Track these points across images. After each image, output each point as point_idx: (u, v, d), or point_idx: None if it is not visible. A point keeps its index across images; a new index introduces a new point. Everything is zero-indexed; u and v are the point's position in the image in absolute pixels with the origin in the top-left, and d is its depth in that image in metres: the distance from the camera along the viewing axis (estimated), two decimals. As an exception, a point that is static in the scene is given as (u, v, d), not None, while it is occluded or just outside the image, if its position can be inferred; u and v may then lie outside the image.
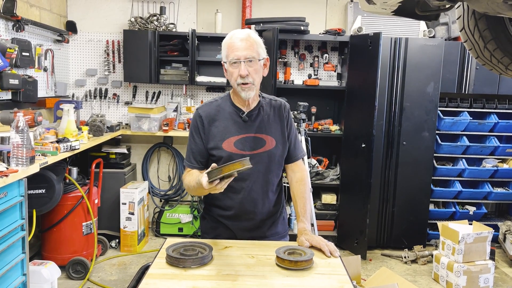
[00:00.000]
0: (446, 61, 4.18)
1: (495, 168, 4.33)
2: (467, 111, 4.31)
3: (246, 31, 1.84)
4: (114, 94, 4.63)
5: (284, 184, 2.09)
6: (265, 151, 1.89)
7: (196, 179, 1.71)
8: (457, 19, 1.93)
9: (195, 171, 1.90)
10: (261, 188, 1.90)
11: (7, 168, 2.28)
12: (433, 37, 4.27)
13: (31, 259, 3.28)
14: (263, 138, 1.90)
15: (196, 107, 4.62)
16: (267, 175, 1.91)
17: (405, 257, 4.08)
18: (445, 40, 4.24)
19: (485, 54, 1.92)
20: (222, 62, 1.89)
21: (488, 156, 4.40)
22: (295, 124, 3.85)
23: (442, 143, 4.28)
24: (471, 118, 4.29)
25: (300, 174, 2.02)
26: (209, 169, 1.55)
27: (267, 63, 1.91)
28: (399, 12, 1.85)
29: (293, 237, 1.87)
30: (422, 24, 4.33)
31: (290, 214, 4.42)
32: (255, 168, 1.86)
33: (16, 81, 3.19)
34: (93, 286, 3.43)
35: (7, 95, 3.31)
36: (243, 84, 1.80)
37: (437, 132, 4.27)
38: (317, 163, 4.52)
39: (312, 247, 1.73)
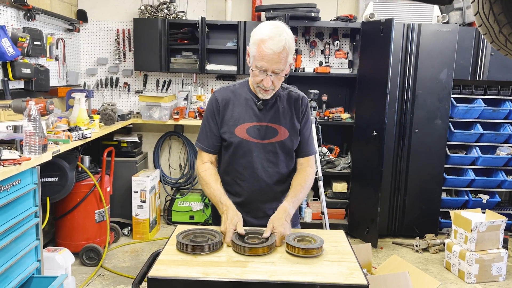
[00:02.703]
0: (460, 47, 4.10)
1: (510, 156, 4.26)
2: (481, 98, 4.24)
3: (283, 40, 1.70)
4: (125, 83, 4.65)
5: None
6: (277, 142, 1.89)
7: (217, 195, 1.83)
8: (472, 3, 1.88)
9: (214, 175, 1.91)
10: (270, 177, 1.90)
11: (20, 156, 2.31)
12: (447, 22, 4.19)
13: (45, 246, 3.34)
14: (276, 128, 1.89)
15: (206, 95, 4.64)
16: (277, 165, 1.91)
17: (416, 246, 4.07)
18: (459, 25, 4.16)
19: (500, 38, 1.87)
20: (247, 49, 1.83)
21: (503, 144, 4.34)
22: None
23: (455, 130, 4.22)
24: (485, 105, 4.22)
25: (305, 166, 1.98)
26: (237, 237, 1.61)
27: (292, 63, 1.89)
28: (412, -4, 1.81)
29: (304, 225, 1.88)
30: (436, 9, 4.24)
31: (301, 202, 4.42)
32: (264, 158, 1.88)
33: (28, 70, 3.22)
34: (106, 273, 3.48)
35: (19, 84, 3.33)
36: (263, 88, 1.80)
37: (450, 119, 4.21)
38: (328, 152, 4.49)
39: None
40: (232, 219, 1.71)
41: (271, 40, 1.71)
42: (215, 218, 2.02)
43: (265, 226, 1.81)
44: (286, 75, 1.84)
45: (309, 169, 1.98)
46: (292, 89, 1.99)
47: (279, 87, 1.86)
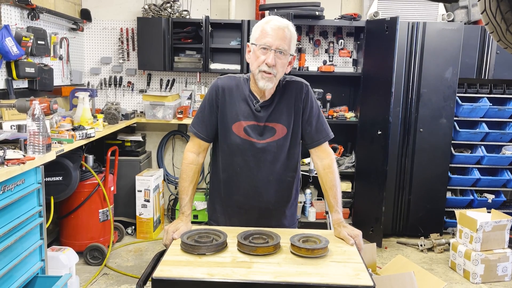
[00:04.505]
0: (465, 45, 4.08)
1: (515, 155, 4.24)
2: (487, 97, 4.21)
3: (286, 21, 1.76)
4: (129, 82, 4.64)
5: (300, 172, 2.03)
6: (274, 141, 1.84)
7: (183, 198, 1.83)
8: (478, 1, 1.87)
9: (193, 174, 1.88)
10: (266, 177, 1.86)
11: (24, 156, 2.31)
12: (452, 21, 4.17)
13: (49, 245, 3.34)
14: (274, 127, 1.84)
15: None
16: (274, 165, 1.86)
17: (421, 245, 4.05)
18: (465, 24, 4.13)
19: (507, 37, 1.86)
20: (248, 43, 1.81)
21: (508, 143, 4.30)
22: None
23: (460, 130, 4.19)
24: (491, 104, 4.19)
25: (327, 161, 1.90)
26: (243, 237, 1.60)
27: (293, 62, 1.83)
28: (418, -6, 1.79)
29: (308, 225, 1.84)
30: (441, 8, 4.22)
31: (304, 202, 4.41)
32: (262, 157, 1.84)
33: (32, 70, 3.22)
34: (110, 272, 3.48)
35: (23, 84, 3.34)
36: (265, 72, 1.73)
37: (455, 118, 4.19)
38: (332, 151, 4.48)
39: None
40: (176, 224, 1.74)
41: (275, 20, 1.75)
42: (210, 219, 2.04)
43: (262, 225, 1.79)
44: (289, 66, 1.80)
45: (329, 162, 1.90)
46: (290, 78, 1.90)
47: (280, 76, 1.79)
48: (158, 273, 1.41)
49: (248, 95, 1.85)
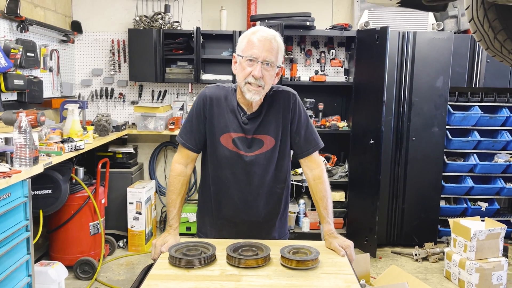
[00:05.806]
0: (455, 54, 4.10)
1: (508, 163, 4.24)
2: (478, 105, 4.22)
3: (273, 32, 1.72)
4: (120, 94, 4.62)
5: (291, 182, 2.00)
6: (262, 153, 1.80)
7: (171, 211, 1.82)
8: (466, 9, 1.87)
9: (181, 186, 1.85)
10: (256, 190, 1.82)
11: (10, 169, 2.27)
12: (442, 30, 4.20)
13: (39, 260, 3.29)
14: (262, 139, 1.80)
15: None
16: (263, 177, 1.81)
17: (415, 255, 4.02)
18: (455, 33, 4.16)
19: (495, 45, 1.85)
20: (234, 54, 1.76)
21: (500, 151, 4.31)
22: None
23: (453, 138, 4.20)
24: (482, 112, 4.20)
25: (317, 171, 1.87)
26: (232, 250, 1.59)
27: (280, 73, 1.79)
28: (405, 3, 1.79)
29: (302, 235, 1.80)
30: (431, 17, 4.25)
31: (298, 212, 4.38)
32: (250, 170, 1.80)
33: (21, 82, 3.19)
34: (100, 286, 3.42)
35: (12, 96, 3.30)
36: (251, 84, 1.69)
37: (447, 127, 4.19)
38: (325, 160, 4.46)
39: None
40: (164, 237, 1.73)
41: (261, 31, 1.71)
42: (198, 229, 2.00)
43: (252, 238, 1.75)
44: (276, 77, 1.76)
45: (318, 172, 1.87)
46: (277, 89, 1.85)
47: (268, 88, 1.75)
48: (145, 287, 1.38)
49: (236, 107, 1.80)
